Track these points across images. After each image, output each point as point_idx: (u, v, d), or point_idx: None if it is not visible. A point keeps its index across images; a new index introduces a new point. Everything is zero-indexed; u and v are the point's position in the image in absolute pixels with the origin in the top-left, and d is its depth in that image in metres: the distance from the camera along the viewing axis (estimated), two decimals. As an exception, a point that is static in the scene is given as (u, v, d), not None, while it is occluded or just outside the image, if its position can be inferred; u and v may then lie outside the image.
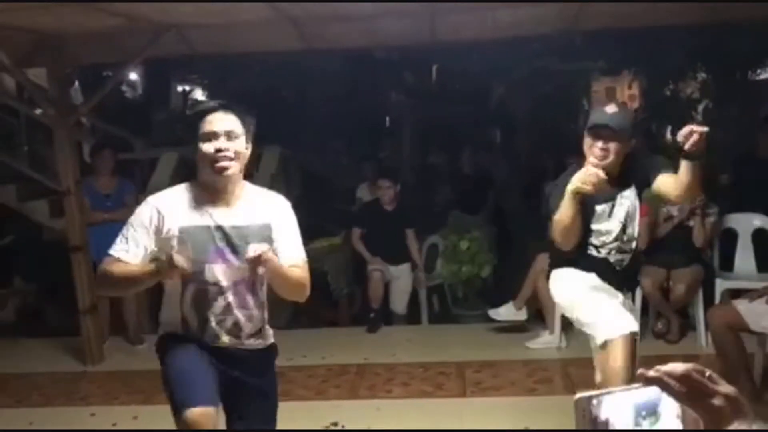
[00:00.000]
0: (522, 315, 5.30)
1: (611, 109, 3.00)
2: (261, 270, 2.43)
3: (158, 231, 2.40)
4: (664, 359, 3.64)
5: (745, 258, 5.24)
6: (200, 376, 2.45)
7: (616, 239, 3.02)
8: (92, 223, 5.39)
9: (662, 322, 5.23)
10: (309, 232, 7.74)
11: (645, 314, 5.22)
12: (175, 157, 7.16)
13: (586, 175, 2.78)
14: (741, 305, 3.88)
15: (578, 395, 0.93)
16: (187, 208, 2.42)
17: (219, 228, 2.41)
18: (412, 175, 8.98)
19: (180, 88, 12.82)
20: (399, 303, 6.14)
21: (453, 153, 8.82)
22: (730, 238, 5.30)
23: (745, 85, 10.56)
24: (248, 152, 2.46)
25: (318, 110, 10.32)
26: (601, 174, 2.80)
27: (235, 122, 2.40)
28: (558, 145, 8.82)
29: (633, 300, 3.47)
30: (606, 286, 3.06)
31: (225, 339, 2.51)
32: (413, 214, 6.25)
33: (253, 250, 2.34)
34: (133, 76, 11.51)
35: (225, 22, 4.69)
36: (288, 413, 4.23)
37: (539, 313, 5.33)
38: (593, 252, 3.02)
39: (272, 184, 6.97)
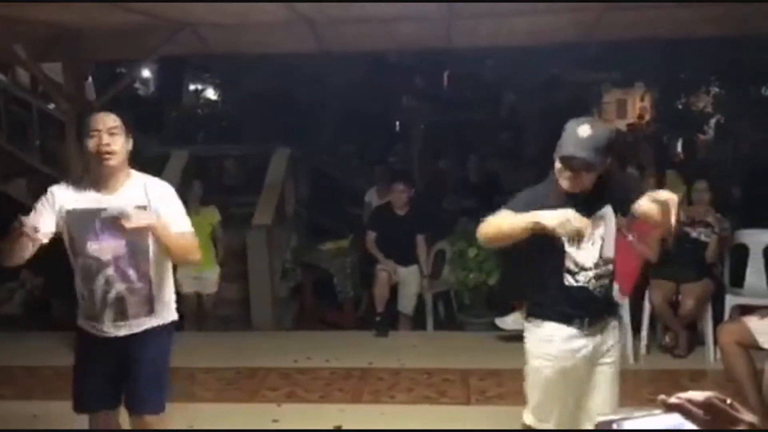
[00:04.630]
0: (529, 324, 5.26)
1: (584, 132, 2.54)
2: (148, 237, 2.77)
3: (53, 211, 2.79)
4: (672, 374, 3.61)
5: (755, 274, 5.20)
6: (90, 383, 2.92)
7: (595, 265, 2.69)
8: None
9: (670, 336, 5.19)
10: (317, 234, 7.78)
11: (653, 328, 5.21)
12: (186, 155, 7.17)
13: (569, 226, 2.41)
14: (751, 322, 3.84)
15: (599, 419, 0.92)
16: (75, 194, 2.80)
17: (99, 210, 2.76)
18: (422, 180, 8.97)
19: (192, 87, 12.88)
20: (406, 304, 6.14)
21: (463, 159, 8.80)
22: (741, 254, 5.27)
23: (759, 99, 10.54)
24: (128, 146, 2.81)
25: (329, 113, 10.33)
26: (584, 230, 2.45)
27: (115, 120, 2.76)
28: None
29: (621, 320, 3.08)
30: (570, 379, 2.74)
31: (110, 317, 2.83)
32: (423, 219, 6.25)
33: (136, 217, 2.67)
34: (146, 73, 11.56)
35: (241, 23, 4.70)
36: (291, 415, 4.25)
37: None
38: (571, 281, 2.68)
39: (282, 185, 7.01)
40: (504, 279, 6.14)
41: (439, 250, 6.41)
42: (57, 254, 6.95)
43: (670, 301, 5.09)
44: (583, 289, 2.69)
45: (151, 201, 2.81)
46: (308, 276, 7.00)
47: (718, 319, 4.85)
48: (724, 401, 0.88)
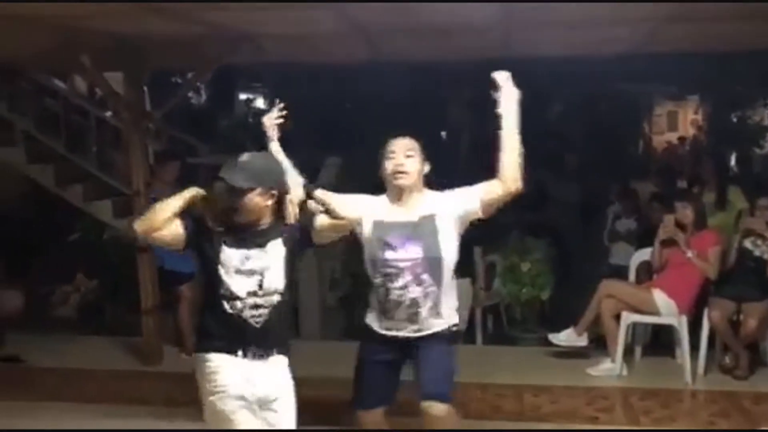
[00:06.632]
0: (583, 341, 5.17)
1: (243, 157, 2.72)
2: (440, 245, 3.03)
3: (354, 209, 3.09)
4: (733, 396, 3.49)
5: (820, 294, 5.02)
6: (374, 380, 3.18)
7: (251, 293, 2.69)
8: None
9: (730, 357, 5.04)
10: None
11: (712, 347, 5.06)
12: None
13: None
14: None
15: None
16: (376, 207, 3.13)
17: (397, 224, 3.03)
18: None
19: (243, 96, 13.03)
20: (459, 317, 6.06)
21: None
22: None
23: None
24: (423, 168, 3.09)
25: (378, 122, 10.33)
26: None
27: (412, 143, 3.07)
28: (619, 168, 8.65)
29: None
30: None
31: (403, 319, 3.03)
32: (478, 230, 6.17)
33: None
34: (198, 82, 11.72)
35: (300, 33, 4.73)
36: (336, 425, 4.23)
37: (601, 339, 5.21)
38: (227, 307, 2.68)
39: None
40: (557, 294, 6.06)
41: (490, 263, 6.34)
42: (111, 259, 7.04)
43: (729, 320, 4.95)
44: (236, 317, 2.68)
45: (438, 212, 3.03)
46: (357, 286, 6.98)
47: (781, 341, 4.70)
48: None
